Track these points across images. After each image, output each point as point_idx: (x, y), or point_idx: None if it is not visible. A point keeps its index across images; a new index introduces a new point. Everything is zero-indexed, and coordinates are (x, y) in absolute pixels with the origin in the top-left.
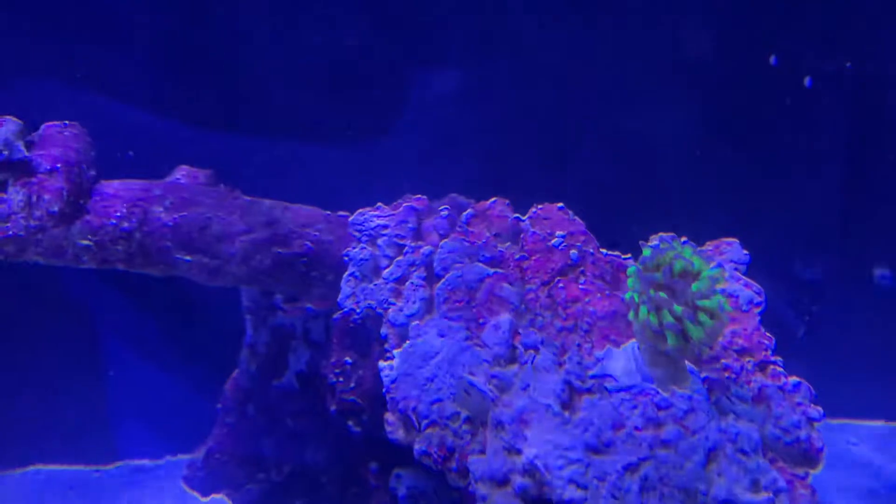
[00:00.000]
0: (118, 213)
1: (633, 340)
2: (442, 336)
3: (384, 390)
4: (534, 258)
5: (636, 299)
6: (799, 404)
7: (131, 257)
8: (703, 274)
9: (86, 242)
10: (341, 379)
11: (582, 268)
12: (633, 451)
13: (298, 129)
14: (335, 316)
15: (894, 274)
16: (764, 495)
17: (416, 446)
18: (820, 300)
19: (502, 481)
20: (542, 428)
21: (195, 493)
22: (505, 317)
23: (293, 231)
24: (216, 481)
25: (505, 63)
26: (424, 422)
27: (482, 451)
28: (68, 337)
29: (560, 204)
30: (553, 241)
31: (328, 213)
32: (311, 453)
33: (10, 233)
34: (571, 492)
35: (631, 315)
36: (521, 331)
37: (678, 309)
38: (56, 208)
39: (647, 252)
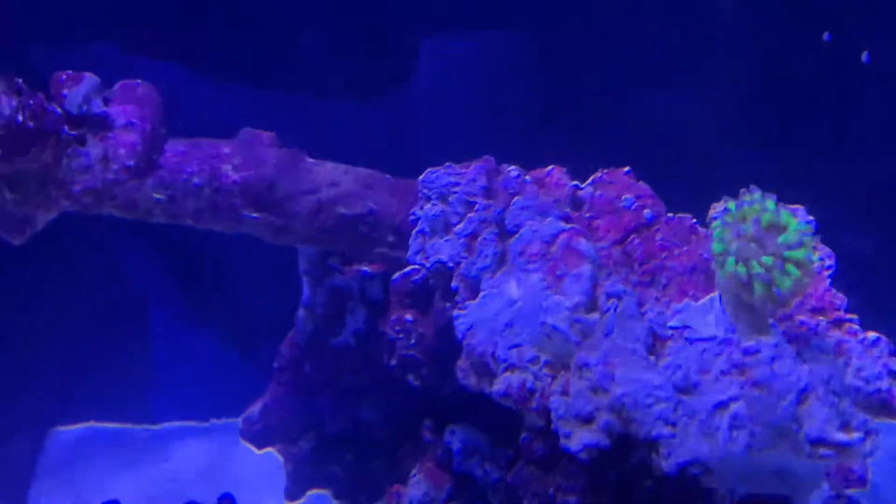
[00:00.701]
0: (189, 170)
1: (714, 294)
2: (520, 285)
3: (459, 337)
4: (604, 218)
5: (722, 250)
6: (878, 357)
7: (200, 213)
8: (790, 226)
9: (158, 196)
10: (401, 336)
11: (657, 227)
12: (722, 391)
13: (328, 88)
14: (395, 277)
15: None
16: (855, 435)
17: (495, 388)
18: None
19: (587, 419)
20: (629, 369)
21: (250, 446)
22: (586, 267)
23: (355, 192)
24: (271, 435)
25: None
26: (503, 365)
27: (564, 393)
28: (122, 304)
29: (626, 168)
30: (623, 203)
31: (388, 176)
32: (365, 409)
33: (89, 185)
34: (660, 428)
35: (716, 266)
36: (600, 282)
37: (767, 259)
38: (131, 162)
39: (731, 205)
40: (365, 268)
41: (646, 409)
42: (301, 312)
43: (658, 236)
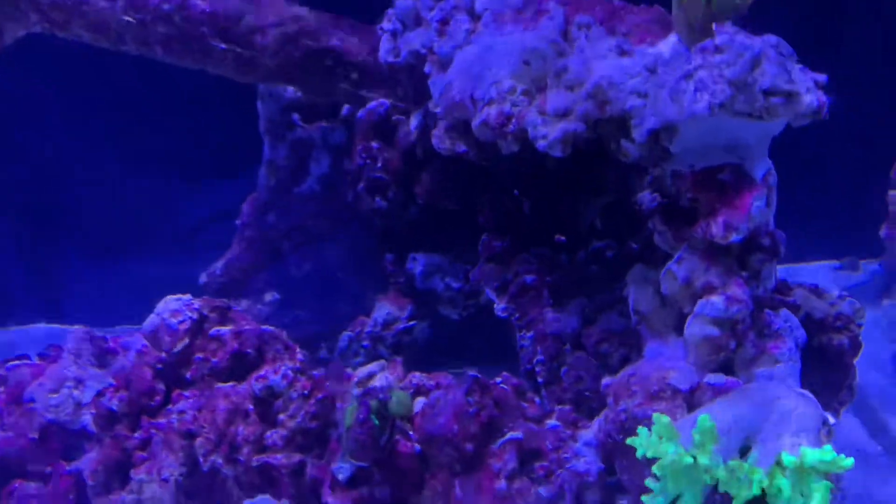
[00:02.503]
0: None
1: (673, 35)
2: (494, 37)
3: (436, 96)
4: None
5: None
6: None
7: (169, 41)
8: None
9: (129, 18)
10: (368, 161)
11: None
12: (687, 63)
13: None
14: (359, 113)
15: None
16: (800, 85)
17: (474, 121)
18: None
19: (564, 112)
20: (604, 63)
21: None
22: (558, 10)
23: (320, 28)
24: (234, 287)
25: None
26: (482, 103)
27: (541, 112)
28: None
29: None
30: None
31: (351, 20)
32: (330, 252)
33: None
34: (633, 100)
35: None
36: (571, 22)
37: None
38: None
39: None
40: (325, 123)
41: (620, 85)
42: (262, 170)
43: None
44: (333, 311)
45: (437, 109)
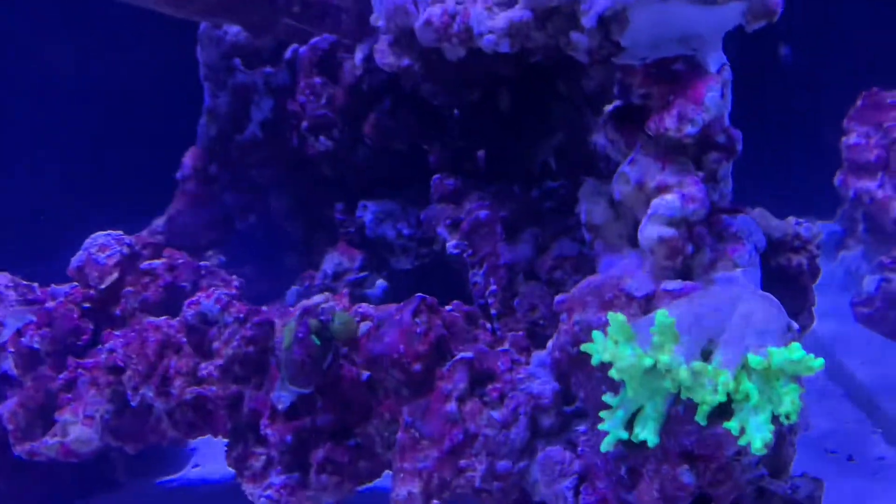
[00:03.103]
0: None
1: None
2: None
3: (376, 15)
4: None
5: None
6: None
7: None
8: None
9: None
10: (312, 98)
11: None
12: None
13: None
14: (301, 49)
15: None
16: None
17: (417, 22)
18: None
19: (510, 2)
20: None
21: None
22: None
23: None
24: (176, 242)
25: None
26: (424, 2)
27: (487, 6)
28: None
29: None
30: None
31: None
32: (275, 200)
33: None
34: None
35: None
36: None
37: None
38: None
39: None
40: (269, 68)
41: None
42: (203, 119)
43: None
44: (281, 264)
45: (380, 22)
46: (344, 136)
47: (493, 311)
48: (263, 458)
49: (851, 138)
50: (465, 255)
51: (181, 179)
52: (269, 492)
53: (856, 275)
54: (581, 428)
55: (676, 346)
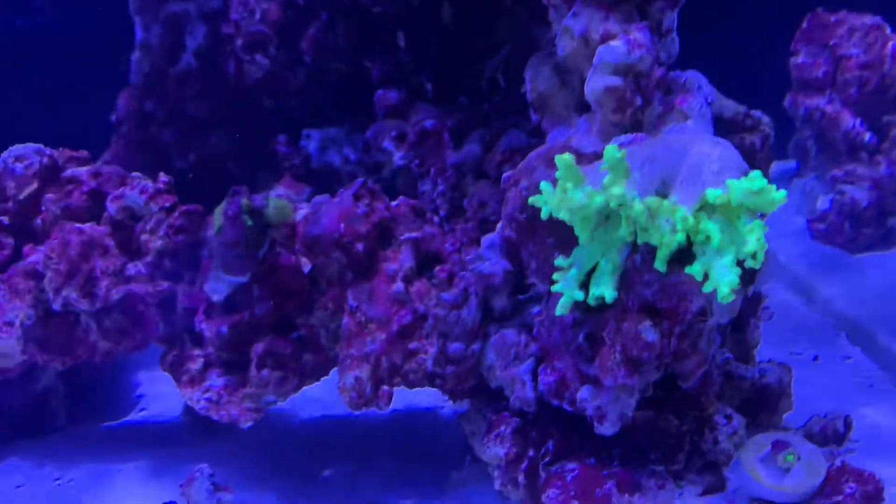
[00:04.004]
0: None
1: None
2: None
3: None
4: None
5: None
6: None
7: None
8: None
9: None
10: (245, 15)
11: None
12: None
13: None
14: None
15: None
16: None
17: None
18: None
19: None
20: None
21: None
22: None
23: None
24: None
25: None
26: None
27: None
28: None
29: None
30: None
31: None
32: (215, 138)
33: None
34: None
35: None
36: None
37: None
38: None
39: None
40: None
41: None
42: (136, 55)
43: None
44: None
45: None
46: (281, 55)
47: (441, 213)
48: (201, 360)
49: (799, 58)
50: (412, 165)
51: (116, 122)
52: (208, 394)
53: (811, 196)
54: (536, 310)
55: (629, 182)
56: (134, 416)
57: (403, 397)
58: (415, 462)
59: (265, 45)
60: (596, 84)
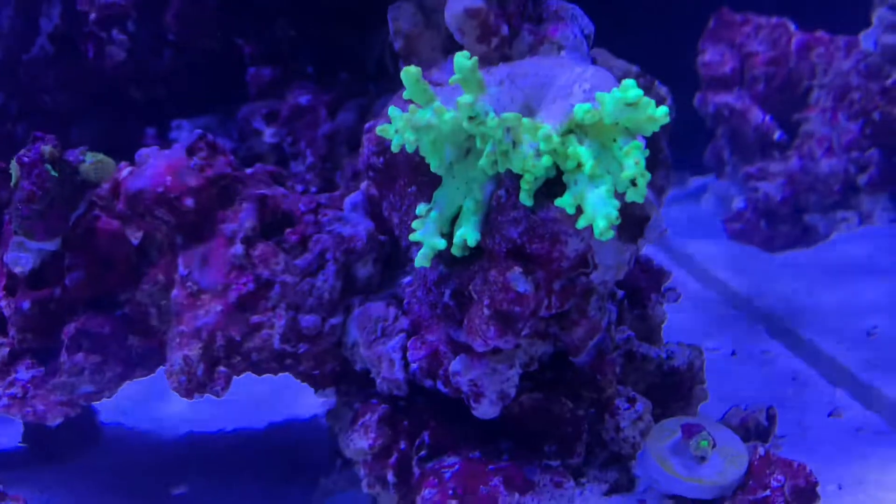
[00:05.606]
0: None
1: None
2: None
3: None
4: None
5: None
6: None
7: None
8: None
9: None
10: None
11: None
12: None
13: None
14: None
15: None
16: None
17: None
18: None
19: None
20: None
21: None
22: None
23: None
24: None
25: None
26: None
27: None
28: None
29: None
30: None
31: None
32: (76, 133)
33: None
34: None
35: None
36: None
37: None
38: None
39: None
40: None
41: None
42: None
43: None
44: None
45: None
46: (142, 33)
47: (313, 188)
48: (6, 349)
49: (706, 56)
50: (283, 144)
51: None
52: (11, 389)
53: (727, 199)
54: (406, 279)
55: (485, 97)
56: None
57: (286, 410)
58: (285, 476)
59: (122, 20)
60: (455, 7)
